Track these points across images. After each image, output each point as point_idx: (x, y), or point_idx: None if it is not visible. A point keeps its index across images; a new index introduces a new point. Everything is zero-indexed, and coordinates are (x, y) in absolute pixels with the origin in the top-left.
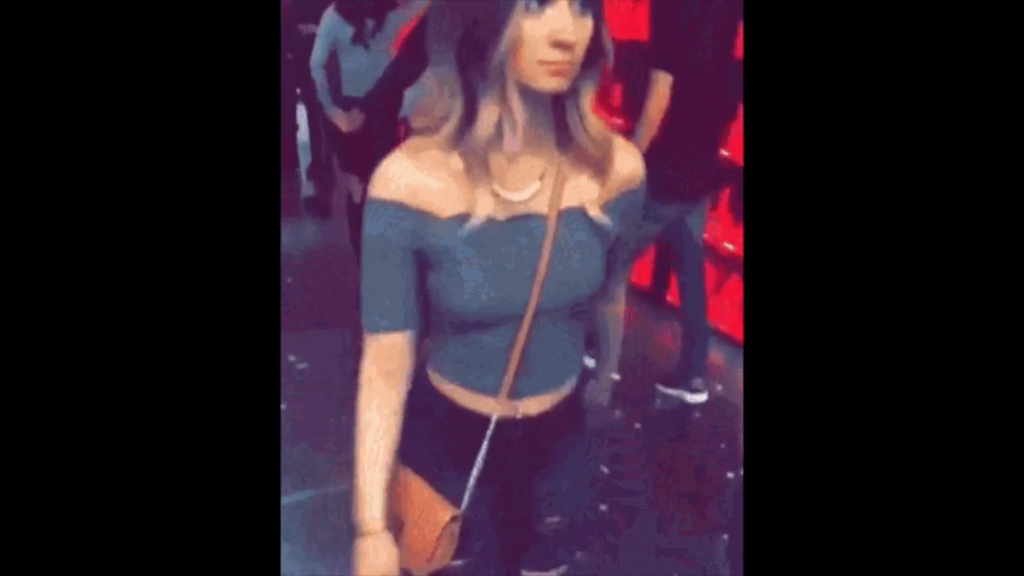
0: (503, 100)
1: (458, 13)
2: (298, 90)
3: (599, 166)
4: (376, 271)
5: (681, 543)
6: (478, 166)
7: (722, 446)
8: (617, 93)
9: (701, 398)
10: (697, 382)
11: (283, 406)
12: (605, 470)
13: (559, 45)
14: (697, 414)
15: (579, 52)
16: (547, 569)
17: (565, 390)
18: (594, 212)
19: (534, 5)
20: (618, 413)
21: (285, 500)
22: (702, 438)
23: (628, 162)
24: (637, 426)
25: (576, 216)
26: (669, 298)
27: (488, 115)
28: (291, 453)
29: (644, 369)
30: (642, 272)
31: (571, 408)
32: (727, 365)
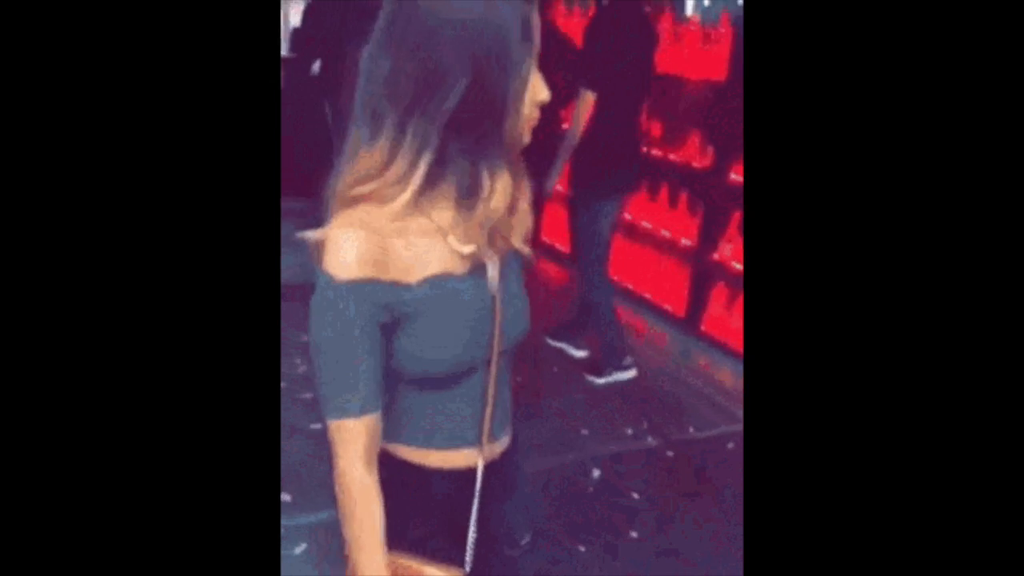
0: (499, 167)
1: (436, 83)
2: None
3: (512, 208)
4: (343, 354)
5: (681, 544)
6: (477, 232)
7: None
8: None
9: (630, 374)
10: (627, 360)
11: (318, 425)
12: (596, 473)
13: (540, 105)
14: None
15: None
16: None
17: (511, 430)
18: (521, 248)
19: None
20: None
21: (317, 517)
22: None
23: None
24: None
25: (511, 263)
26: (704, 328)
27: (501, 184)
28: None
29: (675, 407)
30: (676, 302)
31: (515, 446)
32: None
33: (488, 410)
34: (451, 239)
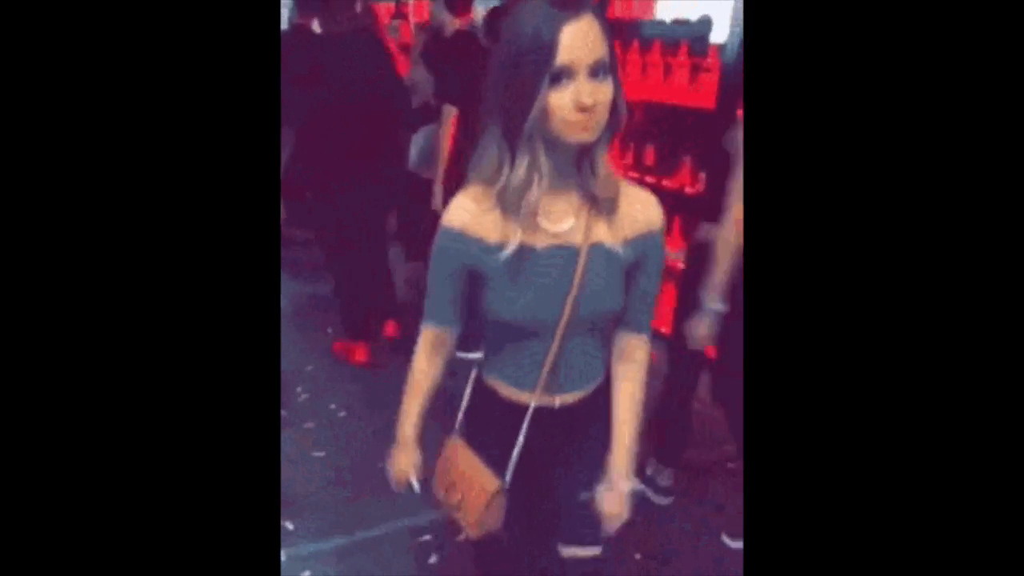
0: (533, 155)
1: (499, 93)
2: None
3: (609, 206)
4: (434, 280)
5: (681, 544)
6: (511, 205)
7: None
8: (650, 153)
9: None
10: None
11: (321, 454)
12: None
13: (582, 109)
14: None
15: (601, 111)
16: (584, 545)
17: (590, 389)
18: (615, 242)
19: (561, 82)
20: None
21: (319, 546)
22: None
23: (644, 210)
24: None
25: (600, 249)
26: None
27: (520, 167)
28: (328, 497)
29: None
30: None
31: (595, 403)
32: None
33: (547, 367)
34: (540, 217)
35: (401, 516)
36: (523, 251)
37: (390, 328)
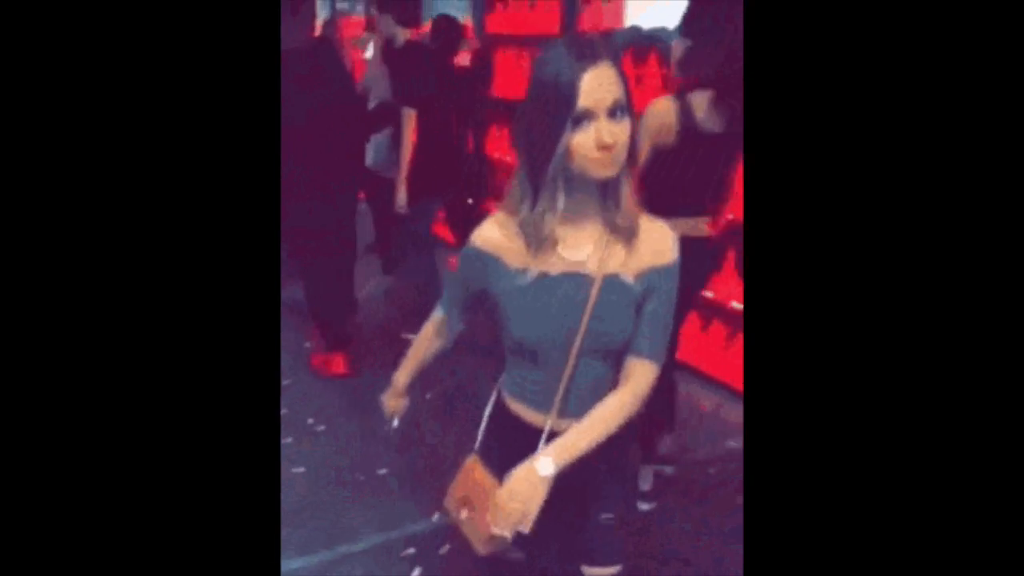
0: (553, 192)
1: (524, 136)
2: None
3: (628, 236)
4: (453, 279)
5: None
6: (530, 236)
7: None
8: None
9: None
10: None
11: (300, 470)
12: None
13: (603, 147)
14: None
15: (620, 148)
16: (605, 566)
17: None
18: (630, 273)
19: (583, 124)
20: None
21: (302, 561)
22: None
23: (659, 243)
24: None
25: (613, 280)
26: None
27: (542, 202)
28: (309, 512)
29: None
30: None
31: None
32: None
33: (561, 390)
34: (559, 246)
35: (384, 530)
36: (540, 277)
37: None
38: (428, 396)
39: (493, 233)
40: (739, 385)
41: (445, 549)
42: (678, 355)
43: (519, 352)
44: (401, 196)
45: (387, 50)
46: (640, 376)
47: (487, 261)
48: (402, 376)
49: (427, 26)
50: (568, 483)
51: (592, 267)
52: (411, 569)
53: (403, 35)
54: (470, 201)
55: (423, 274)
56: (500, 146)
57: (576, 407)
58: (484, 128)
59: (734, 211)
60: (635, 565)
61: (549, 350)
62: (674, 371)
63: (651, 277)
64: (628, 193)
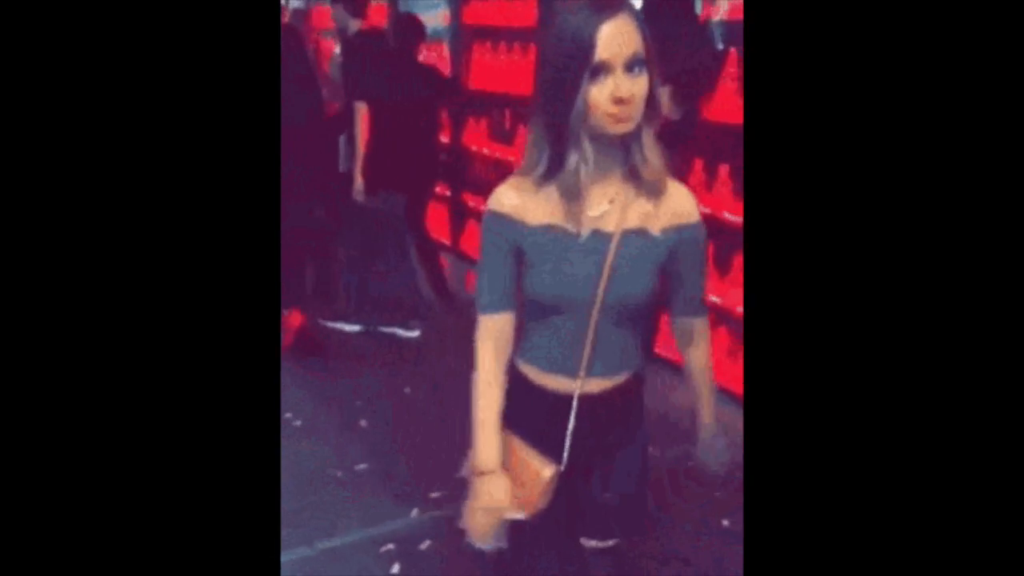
0: (579, 147)
1: (543, 90)
2: None
3: (654, 191)
4: (482, 266)
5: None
6: (572, 194)
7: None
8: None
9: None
10: (412, 323)
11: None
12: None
13: (618, 101)
14: None
15: (637, 103)
16: (603, 539)
17: (621, 379)
18: (653, 229)
19: (600, 77)
20: None
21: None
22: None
23: (682, 201)
24: None
25: (634, 235)
26: (656, 350)
27: (573, 158)
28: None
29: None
30: None
31: (627, 397)
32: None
33: (587, 347)
34: (574, 203)
35: (363, 526)
36: (560, 234)
37: (295, 318)
38: (407, 391)
39: (509, 194)
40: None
41: (425, 545)
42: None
43: (542, 314)
44: (358, 183)
45: (342, 41)
46: (702, 329)
47: (512, 224)
48: (493, 448)
49: (381, 16)
50: (578, 456)
51: (611, 224)
52: (390, 565)
53: (354, 25)
54: (448, 193)
55: (396, 264)
56: (477, 138)
57: (603, 367)
58: (460, 121)
59: (711, 206)
60: (635, 565)
61: (572, 308)
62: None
63: (677, 234)
64: (653, 148)
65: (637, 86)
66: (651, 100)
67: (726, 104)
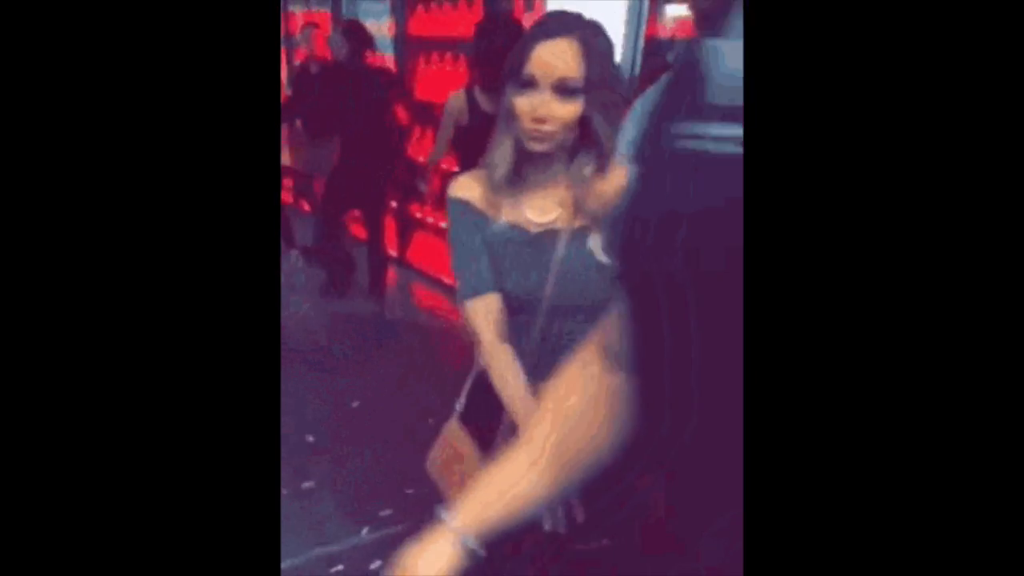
0: (502, 146)
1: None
2: None
3: (589, 211)
4: (455, 250)
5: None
6: (496, 188)
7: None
8: None
9: None
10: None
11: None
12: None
13: (537, 119)
14: None
15: (555, 126)
16: (589, 541)
17: None
18: (594, 247)
19: (523, 89)
20: None
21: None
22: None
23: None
24: None
25: (582, 236)
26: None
27: (495, 154)
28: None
29: None
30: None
31: None
32: None
33: (533, 341)
34: (525, 208)
35: (315, 546)
36: (513, 229)
37: None
38: (355, 405)
39: (467, 182)
40: None
41: (376, 565)
42: None
43: (508, 313)
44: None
45: (303, 72)
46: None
47: (473, 212)
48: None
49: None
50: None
51: (561, 224)
52: None
53: (343, 53)
54: (394, 204)
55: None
56: (424, 149)
57: (549, 368)
58: (408, 132)
59: None
60: (625, 565)
61: (522, 304)
62: None
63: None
64: (593, 177)
65: (563, 110)
66: (588, 131)
67: None
